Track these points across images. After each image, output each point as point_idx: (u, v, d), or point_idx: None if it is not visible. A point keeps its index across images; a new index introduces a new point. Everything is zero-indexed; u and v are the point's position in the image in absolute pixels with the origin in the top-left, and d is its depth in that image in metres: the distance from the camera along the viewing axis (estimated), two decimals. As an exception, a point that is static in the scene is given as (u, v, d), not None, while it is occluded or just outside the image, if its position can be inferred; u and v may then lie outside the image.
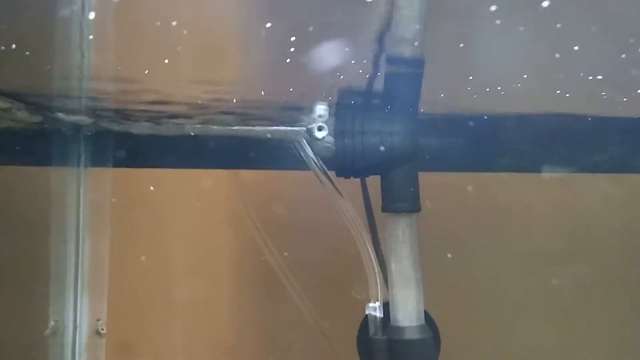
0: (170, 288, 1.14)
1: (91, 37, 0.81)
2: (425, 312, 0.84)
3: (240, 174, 1.15)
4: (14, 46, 0.76)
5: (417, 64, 0.81)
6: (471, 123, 0.92)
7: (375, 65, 0.85)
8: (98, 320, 1.00)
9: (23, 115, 0.78)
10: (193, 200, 1.17)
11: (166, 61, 0.82)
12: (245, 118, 0.93)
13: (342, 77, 0.86)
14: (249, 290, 1.17)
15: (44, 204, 0.94)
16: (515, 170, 1.02)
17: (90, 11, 0.80)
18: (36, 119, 0.80)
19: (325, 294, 1.13)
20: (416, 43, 0.79)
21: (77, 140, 0.89)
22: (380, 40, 0.82)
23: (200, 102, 0.88)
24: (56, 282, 0.95)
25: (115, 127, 0.85)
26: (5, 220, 0.95)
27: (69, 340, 0.95)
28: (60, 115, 0.83)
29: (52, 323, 0.94)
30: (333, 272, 1.15)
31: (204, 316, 1.15)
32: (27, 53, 0.78)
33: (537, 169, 0.95)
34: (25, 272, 0.98)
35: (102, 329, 1.00)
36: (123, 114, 0.88)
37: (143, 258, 1.12)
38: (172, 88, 0.86)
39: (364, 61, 0.85)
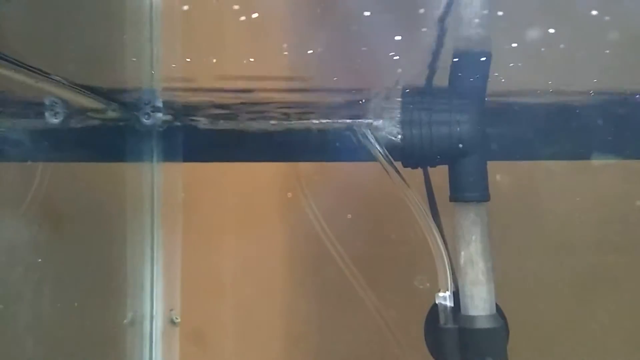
0: (237, 279, 1.16)
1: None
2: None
3: (299, 166, 1.16)
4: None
5: (484, 49, 0.81)
6: (539, 111, 0.91)
7: (438, 54, 0.84)
8: (171, 310, 1.03)
9: (114, 115, 0.80)
10: (255, 193, 1.18)
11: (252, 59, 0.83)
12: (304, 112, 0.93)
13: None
14: (313, 282, 1.18)
15: (120, 198, 0.96)
16: (586, 159, 0.99)
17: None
18: (123, 116, 0.82)
19: (387, 284, 1.13)
20: (483, 28, 0.78)
21: (150, 136, 0.91)
22: (443, 25, 0.81)
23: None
24: (133, 275, 0.98)
25: (194, 123, 0.86)
26: (86, 215, 0.99)
27: (147, 329, 0.99)
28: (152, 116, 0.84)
29: (130, 314, 0.97)
30: (395, 262, 1.15)
31: (271, 305, 1.17)
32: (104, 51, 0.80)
33: (610, 156, 0.93)
34: (105, 266, 1.01)
35: (176, 318, 1.03)
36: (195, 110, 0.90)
37: (210, 250, 1.14)
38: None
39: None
